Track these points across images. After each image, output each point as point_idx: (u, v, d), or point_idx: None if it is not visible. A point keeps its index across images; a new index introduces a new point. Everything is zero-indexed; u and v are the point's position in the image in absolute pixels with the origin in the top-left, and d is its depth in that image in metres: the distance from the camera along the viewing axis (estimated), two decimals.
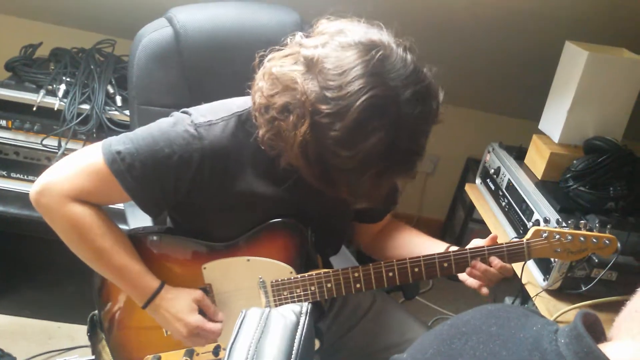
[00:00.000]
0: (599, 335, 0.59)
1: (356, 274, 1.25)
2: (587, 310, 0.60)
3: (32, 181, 1.97)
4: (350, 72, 0.98)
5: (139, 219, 1.50)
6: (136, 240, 1.25)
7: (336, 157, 1.02)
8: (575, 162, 1.68)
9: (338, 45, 1.02)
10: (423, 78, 1.03)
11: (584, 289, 1.51)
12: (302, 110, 1.02)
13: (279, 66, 1.08)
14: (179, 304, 1.22)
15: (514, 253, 1.25)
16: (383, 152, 1.00)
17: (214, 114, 1.17)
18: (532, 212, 1.66)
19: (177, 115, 1.19)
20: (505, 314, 0.64)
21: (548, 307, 1.52)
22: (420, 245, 1.36)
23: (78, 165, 1.15)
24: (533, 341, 0.58)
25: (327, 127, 1.00)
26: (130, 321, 1.32)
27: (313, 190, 1.12)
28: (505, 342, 0.59)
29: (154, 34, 1.50)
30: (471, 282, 1.26)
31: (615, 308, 0.63)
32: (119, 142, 1.14)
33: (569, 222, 1.26)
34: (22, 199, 1.97)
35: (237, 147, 1.16)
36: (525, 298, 1.71)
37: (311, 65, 1.03)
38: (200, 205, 1.21)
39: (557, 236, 1.24)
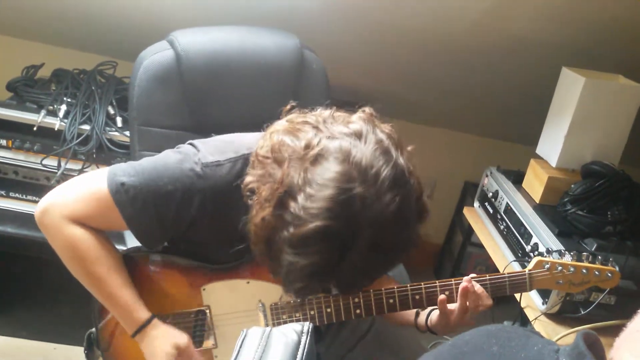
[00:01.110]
0: (600, 355, 0.59)
1: (356, 300, 1.24)
2: (588, 330, 0.60)
3: (31, 201, 1.99)
4: (323, 189, 0.96)
5: (135, 240, 1.50)
6: (134, 260, 1.26)
7: (280, 252, 1.02)
8: (573, 186, 1.69)
9: (341, 151, 0.99)
10: (395, 231, 1.00)
11: (582, 312, 1.51)
12: (271, 192, 1.01)
13: (283, 135, 1.07)
14: (159, 347, 1.21)
15: (515, 284, 1.25)
16: (316, 275, 0.99)
17: (221, 154, 1.17)
18: (531, 236, 1.66)
19: (184, 149, 1.19)
20: (506, 334, 0.64)
21: (547, 330, 1.52)
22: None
23: (83, 190, 1.15)
24: None
25: (284, 224, 0.99)
26: (127, 339, 1.30)
27: None
28: None
29: (156, 56, 1.52)
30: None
31: (614, 332, 0.63)
32: (124, 172, 1.14)
33: (572, 253, 1.27)
34: (20, 218, 1.97)
35: (241, 190, 1.13)
36: (524, 322, 1.71)
37: (307, 154, 1.01)
38: (202, 237, 1.21)
39: (560, 268, 1.24)
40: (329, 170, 0.97)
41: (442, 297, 1.22)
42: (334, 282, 1.04)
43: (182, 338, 1.23)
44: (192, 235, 1.20)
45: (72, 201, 1.14)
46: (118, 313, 1.21)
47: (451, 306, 1.23)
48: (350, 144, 1.00)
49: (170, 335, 1.23)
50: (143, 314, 1.21)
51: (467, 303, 1.21)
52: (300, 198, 0.97)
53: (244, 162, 1.16)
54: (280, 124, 1.12)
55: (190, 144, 1.20)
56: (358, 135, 1.02)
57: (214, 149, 1.18)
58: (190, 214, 1.15)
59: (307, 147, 1.01)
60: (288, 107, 1.16)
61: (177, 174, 1.13)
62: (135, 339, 1.22)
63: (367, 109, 1.11)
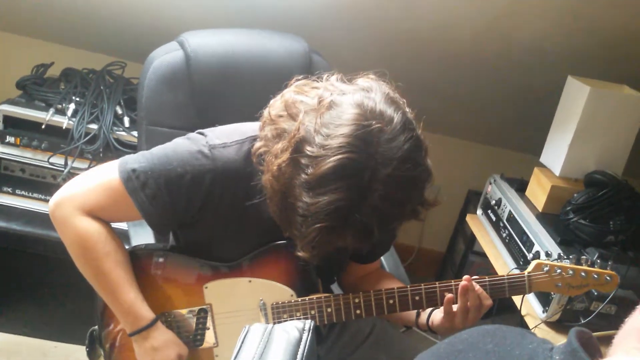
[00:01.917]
0: (594, 352, 0.59)
1: (357, 300, 1.25)
2: (582, 328, 0.60)
3: (37, 199, 2.00)
4: (341, 127, 0.99)
5: (141, 238, 1.51)
6: (138, 257, 1.27)
7: (297, 200, 1.03)
8: (575, 195, 1.70)
9: (353, 100, 1.03)
10: (408, 169, 1.02)
11: (582, 321, 1.51)
12: (288, 142, 1.04)
13: (295, 93, 1.11)
14: (165, 352, 1.23)
15: (514, 286, 1.25)
16: (337, 213, 1.00)
17: (228, 137, 1.20)
18: (533, 244, 1.67)
19: (192, 136, 1.22)
20: (501, 332, 0.65)
21: (546, 338, 1.52)
22: None
23: (94, 181, 1.18)
24: (528, 358, 0.59)
25: (302, 168, 1.01)
26: (131, 345, 1.32)
27: None
28: (501, 359, 0.60)
29: (166, 56, 1.54)
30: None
31: None
32: (135, 160, 1.17)
33: (571, 256, 1.27)
34: (26, 215, 1.98)
35: (248, 170, 1.17)
36: None
37: (320, 107, 1.04)
38: (209, 223, 1.22)
39: (559, 270, 1.25)
40: (345, 112, 1.01)
41: (449, 295, 1.22)
42: (352, 230, 1.03)
43: (184, 349, 1.26)
44: (200, 224, 1.22)
45: (84, 193, 1.16)
46: (120, 310, 1.22)
47: (453, 307, 1.24)
48: (360, 95, 1.05)
49: (176, 343, 1.25)
50: (147, 314, 1.22)
51: (468, 303, 1.22)
52: (318, 139, 1.00)
53: (250, 143, 1.18)
54: (290, 89, 1.15)
55: (199, 132, 1.23)
56: (366, 89, 1.06)
57: (221, 133, 1.21)
58: (200, 196, 1.17)
59: (321, 99, 1.05)
60: (293, 80, 1.18)
61: (187, 157, 1.16)
62: (132, 338, 1.23)
63: (371, 74, 1.14)
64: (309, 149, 1.00)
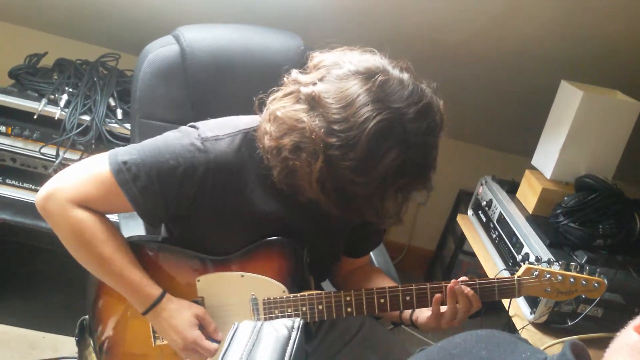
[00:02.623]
0: None
1: (348, 298, 1.26)
2: (576, 340, 0.61)
3: (28, 189, 1.99)
4: (354, 102, 1.02)
5: (131, 230, 1.50)
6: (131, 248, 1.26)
7: (355, 185, 1.05)
8: (566, 198, 1.71)
9: (336, 78, 1.06)
10: (423, 95, 1.07)
11: (570, 323, 1.52)
12: (313, 147, 1.05)
13: (282, 108, 1.11)
14: (180, 317, 1.23)
15: (504, 289, 1.27)
16: (397, 170, 1.04)
17: (221, 130, 1.20)
18: (522, 246, 1.68)
19: (184, 129, 1.22)
20: (494, 339, 0.65)
21: (534, 340, 1.53)
22: None
23: (85, 174, 1.17)
24: None
25: (340, 159, 1.03)
26: (123, 347, 1.32)
27: (311, 210, 1.14)
28: None
29: (161, 50, 1.53)
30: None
31: (600, 344, 0.64)
32: (125, 152, 1.17)
33: (560, 262, 1.29)
34: (15, 206, 1.97)
35: (241, 163, 1.18)
36: (511, 330, 1.72)
37: (313, 103, 1.06)
38: (201, 217, 1.22)
39: (548, 275, 1.26)
40: (342, 92, 1.04)
41: (437, 295, 1.24)
42: (411, 171, 1.07)
43: (198, 308, 1.26)
44: (192, 216, 1.22)
45: (75, 185, 1.16)
46: (128, 292, 1.22)
47: (442, 308, 1.25)
48: (336, 71, 1.08)
49: (187, 305, 1.25)
50: (155, 290, 1.22)
51: (458, 305, 1.23)
52: (338, 127, 1.02)
53: (243, 136, 1.19)
54: (270, 109, 1.14)
55: (191, 125, 1.23)
56: (335, 64, 1.10)
57: (213, 126, 1.21)
58: (192, 189, 1.17)
59: (308, 97, 1.07)
60: (257, 101, 1.19)
61: (179, 150, 1.16)
62: (147, 316, 1.23)
63: (317, 52, 1.17)
64: (335, 141, 1.02)
